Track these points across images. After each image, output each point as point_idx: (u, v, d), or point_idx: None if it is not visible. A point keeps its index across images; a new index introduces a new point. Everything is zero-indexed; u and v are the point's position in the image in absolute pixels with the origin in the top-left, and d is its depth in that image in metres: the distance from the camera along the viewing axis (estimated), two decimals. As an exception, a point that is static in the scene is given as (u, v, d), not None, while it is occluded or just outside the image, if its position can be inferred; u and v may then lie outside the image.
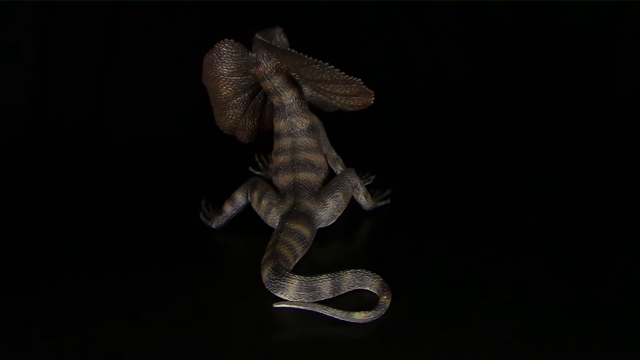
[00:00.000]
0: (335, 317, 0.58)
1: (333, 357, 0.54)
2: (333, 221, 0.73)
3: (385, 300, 0.59)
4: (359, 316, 0.58)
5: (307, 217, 0.70)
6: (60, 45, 1.01)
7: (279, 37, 0.76)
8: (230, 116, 0.82)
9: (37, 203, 0.82)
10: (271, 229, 0.71)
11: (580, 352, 0.53)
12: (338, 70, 0.69)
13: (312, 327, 0.58)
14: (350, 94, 0.74)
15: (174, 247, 0.72)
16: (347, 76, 0.70)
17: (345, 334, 0.57)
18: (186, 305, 0.61)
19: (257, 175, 0.87)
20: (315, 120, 0.78)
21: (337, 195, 0.73)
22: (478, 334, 0.55)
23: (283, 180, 0.74)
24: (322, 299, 0.61)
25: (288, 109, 0.76)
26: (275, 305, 0.60)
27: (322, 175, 0.75)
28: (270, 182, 0.77)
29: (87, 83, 1.02)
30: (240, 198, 0.74)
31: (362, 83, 0.71)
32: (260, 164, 0.88)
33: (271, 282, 0.61)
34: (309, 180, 0.73)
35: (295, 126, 0.76)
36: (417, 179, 0.86)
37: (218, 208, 0.76)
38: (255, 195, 0.73)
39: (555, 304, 0.58)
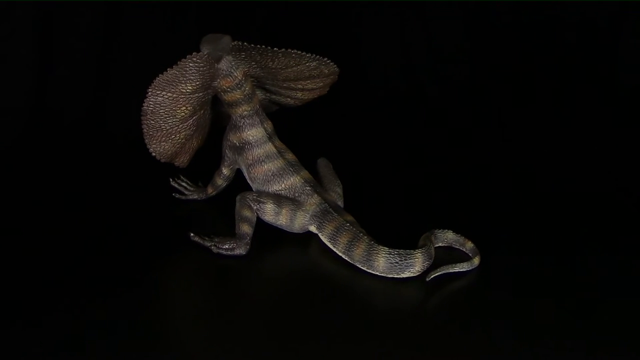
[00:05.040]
0: (463, 270, 0.66)
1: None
2: None
3: (472, 244, 0.68)
4: (477, 261, 0.66)
5: (341, 208, 0.71)
6: (60, 45, 0.99)
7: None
8: (179, 140, 0.74)
9: (36, 203, 0.80)
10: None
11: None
12: (332, 63, 0.72)
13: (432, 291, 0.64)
14: (321, 86, 0.76)
15: (176, 248, 0.71)
16: (336, 68, 0.73)
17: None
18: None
19: (191, 199, 0.80)
20: None
21: (339, 183, 0.76)
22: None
23: (286, 184, 0.72)
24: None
25: (257, 115, 0.73)
26: (428, 278, 0.64)
27: None
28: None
29: (87, 83, 1.00)
30: (250, 215, 0.70)
31: (338, 72, 0.75)
32: (183, 189, 0.81)
33: (395, 266, 0.64)
34: (311, 176, 0.73)
35: (267, 130, 0.74)
36: (415, 176, 0.88)
37: (213, 235, 0.71)
38: (269, 207, 0.70)
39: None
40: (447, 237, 0.70)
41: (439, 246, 0.69)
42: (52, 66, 0.98)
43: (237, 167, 0.76)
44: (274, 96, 0.77)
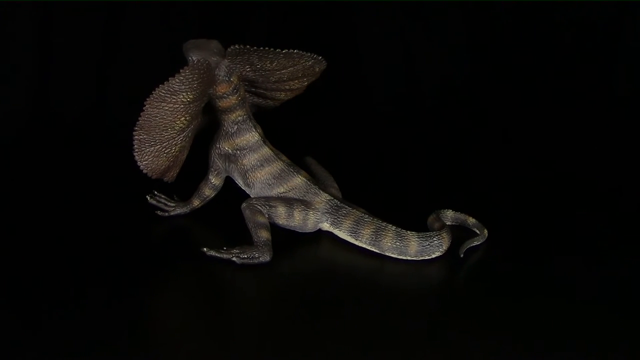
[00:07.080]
0: (480, 243, 0.70)
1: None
2: None
3: (474, 219, 0.73)
4: (486, 232, 0.71)
5: (348, 201, 0.72)
6: (60, 45, 1.00)
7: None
8: (173, 153, 0.70)
9: (35, 203, 0.80)
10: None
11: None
12: (324, 60, 0.72)
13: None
14: (305, 85, 0.76)
15: (179, 249, 0.71)
16: (325, 65, 0.73)
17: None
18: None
19: (174, 214, 0.75)
20: None
21: (333, 179, 0.77)
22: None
23: (289, 185, 0.71)
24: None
25: (250, 120, 0.72)
26: (461, 254, 0.68)
27: None
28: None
29: (87, 83, 1.01)
30: (264, 220, 0.69)
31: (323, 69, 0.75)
32: (163, 205, 0.76)
33: (427, 248, 0.67)
34: (309, 175, 0.73)
35: (260, 134, 0.72)
36: (413, 174, 0.89)
37: (227, 247, 0.68)
38: (282, 210, 0.69)
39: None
40: (448, 216, 0.74)
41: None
42: (52, 66, 0.98)
43: (227, 175, 0.74)
44: (256, 98, 0.76)
